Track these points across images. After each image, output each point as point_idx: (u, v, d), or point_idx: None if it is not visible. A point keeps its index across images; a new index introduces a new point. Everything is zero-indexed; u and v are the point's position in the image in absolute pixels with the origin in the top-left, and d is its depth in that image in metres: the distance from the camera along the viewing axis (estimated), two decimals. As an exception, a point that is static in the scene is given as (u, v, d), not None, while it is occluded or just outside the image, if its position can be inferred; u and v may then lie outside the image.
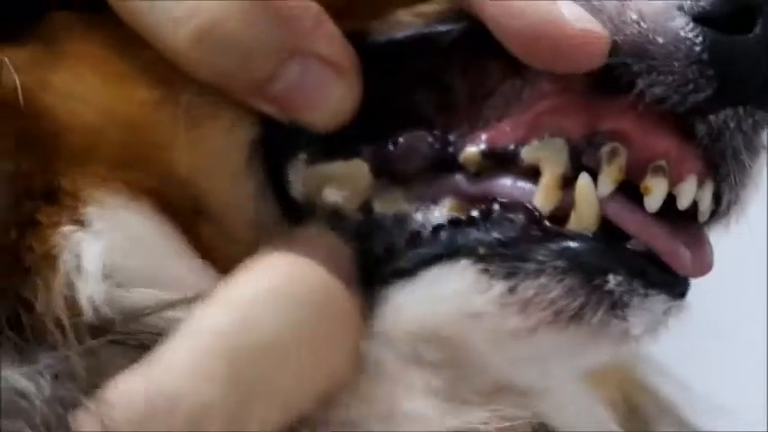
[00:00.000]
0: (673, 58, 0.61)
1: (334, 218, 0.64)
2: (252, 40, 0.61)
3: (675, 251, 0.61)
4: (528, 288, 0.61)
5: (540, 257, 0.61)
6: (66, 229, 0.60)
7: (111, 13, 0.63)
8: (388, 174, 0.64)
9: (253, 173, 0.64)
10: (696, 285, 0.64)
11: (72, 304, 0.59)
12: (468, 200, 0.63)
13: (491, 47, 0.62)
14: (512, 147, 0.63)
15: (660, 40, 0.61)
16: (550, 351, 0.63)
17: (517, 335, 0.62)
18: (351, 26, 0.63)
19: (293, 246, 0.62)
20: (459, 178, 0.64)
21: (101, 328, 0.59)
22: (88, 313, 0.59)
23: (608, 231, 0.62)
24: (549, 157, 0.62)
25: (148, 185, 0.62)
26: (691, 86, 0.61)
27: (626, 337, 0.62)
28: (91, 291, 0.59)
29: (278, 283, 0.59)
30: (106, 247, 0.61)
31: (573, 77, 0.62)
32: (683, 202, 0.62)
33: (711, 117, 0.62)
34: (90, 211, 0.61)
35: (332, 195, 0.64)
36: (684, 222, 0.63)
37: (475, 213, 0.62)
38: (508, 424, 0.62)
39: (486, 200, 0.63)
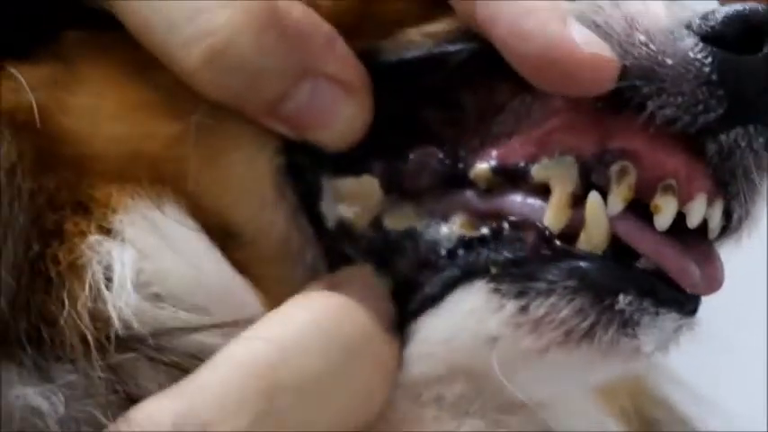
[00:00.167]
0: (682, 80, 0.61)
1: (346, 234, 0.64)
2: (263, 60, 0.61)
3: (685, 269, 0.62)
4: (539, 307, 0.61)
5: (551, 277, 0.61)
6: (94, 238, 0.61)
7: (125, 32, 0.63)
8: (398, 190, 0.64)
9: (283, 198, 0.64)
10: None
11: (98, 316, 0.59)
12: (479, 216, 0.64)
13: (501, 66, 0.62)
14: (522, 164, 0.63)
15: (669, 61, 0.61)
16: (562, 369, 0.63)
17: (529, 355, 0.62)
18: (361, 45, 0.64)
19: (338, 286, 0.62)
20: (469, 195, 0.64)
21: (128, 342, 0.60)
22: (117, 326, 0.59)
23: (618, 249, 0.62)
24: (559, 175, 0.62)
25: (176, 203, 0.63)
26: (701, 107, 0.61)
27: (637, 354, 0.63)
28: (121, 302, 0.60)
29: (322, 323, 0.59)
30: (139, 256, 0.61)
31: (583, 96, 0.62)
32: (693, 221, 0.62)
33: (722, 136, 0.62)
34: (120, 219, 0.61)
35: (343, 211, 0.64)
36: (695, 240, 0.63)
37: (485, 231, 0.63)
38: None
39: (496, 217, 0.63)
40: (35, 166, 0.61)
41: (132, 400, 0.59)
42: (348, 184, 0.64)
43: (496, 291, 0.62)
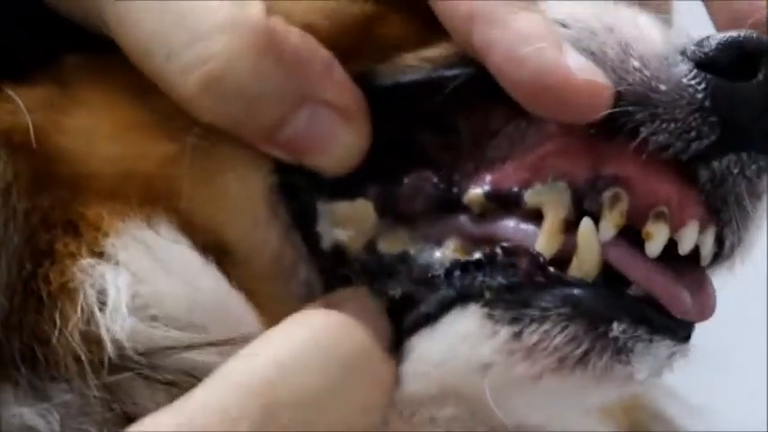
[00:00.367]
0: (675, 106, 0.61)
1: (341, 256, 0.65)
2: (261, 86, 0.62)
3: (676, 296, 0.62)
4: (532, 334, 0.61)
5: (544, 304, 0.61)
6: (86, 261, 0.61)
7: (124, 57, 0.64)
8: (392, 214, 0.65)
9: (276, 216, 0.64)
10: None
11: (91, 338, 0.60)
12: (472, 241, 0.64)
13: (497, 91, 0.62)
14: (515, 189, 0.63)
15: (663, 87, 0.61)
16: (556, 395, 0.63)
17: (523, 382, 0.62)
18: (359, 68, 0.64)
19: (335, 305, 0.62)
20: (463, 219, 0.64)
21: (122, 362, 0.60)
22: (109, 349, 0.59)
23: (609, 276, 0.62)
24: (551, 200, 0.63)
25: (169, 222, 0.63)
26: (693, 134, 0.61)
27: (630, 381, 0.63)
28: (115, 326, 0.60)
29: (321, 341, 0.59)
30: (134, 280, 0.61)
31: (577, 121, 0.62)
32: (684, 248, 0.62)
33: (714, 163, 0.62)
34: (112, 242, 0.62)
35: (338, 234, 0.65)
36: (687, 267, 0.63)
37: (479, 256, 0.63)
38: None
39: (489, 242, 0.63)
40: (30, 186, 0.62)
41: (129, 418, 0.59)
42: (342, 207, 0.65)
43: (490, 316, 0.62)
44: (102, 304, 0.60)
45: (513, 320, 0.61)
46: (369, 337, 0.60)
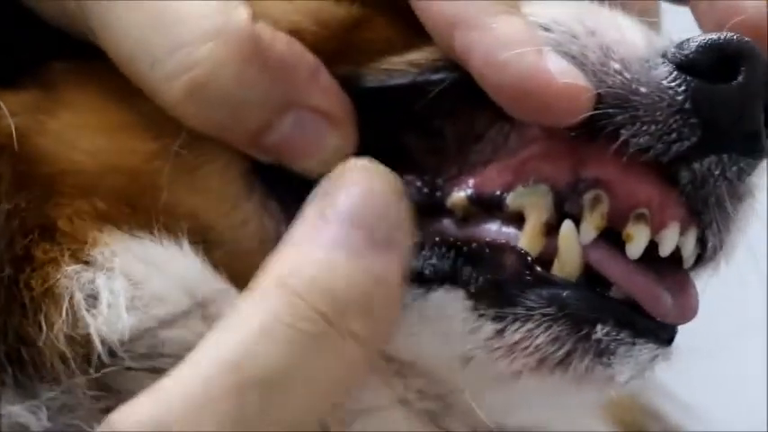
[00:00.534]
0: (656, 108, 0.61)
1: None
2: (246, 92, 0.62)
3: (656, 298, 0.62)
4: (515, 332, 0.62)
5: (529, 303, 0.61)
6: (71, 268, 0.62)
7: (110, 62, 0.65)
8: (376, 217, 0.65)
9: (252, 192, 0.65)
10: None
11: (79, 340, 0.60)
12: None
13: (481, 94, 0.62)
14: (498, 192, 0.63)
15: (643, 89, 0.62)
16: (535, 395, 0.63)
17: (502, 378, 0.62)
18: (344, 72, 0.64)
19: (310, 223, 0.60)
20: (446, 223, 0.64)
21: (112, 359, 0.61)
22: (101, 347, 0.60)
23: (591, 278, 0.62)
24: (533, 203, 0.63)
25: (149, 220, 0.63)
26: (674, 135, 0.61)
27: (611, 383, 0.63)
28: (111, 326, 0.61)
29: (281, 309, 0.58)
30: (126, 284, 0.62)
31: (558, 124, 0.63)
32: (665, 250, 0.63)
33: (695, 164, 0.62)
34: (97, 250, 0.62)
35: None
36: (670, 269, 0.63)
37: (466, 250, 0.63)
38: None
39: (472, 244, 0.64)
40: (11, 188, 0.62)
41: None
42: None
43: (474, 310, 0.62)
44: (92, 308, 0.61)
45: (498, 317, 0.62)
46: (333, 300, 0.58)
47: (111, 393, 0.60)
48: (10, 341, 0.60)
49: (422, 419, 0.65)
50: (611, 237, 0.63)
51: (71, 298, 0.61)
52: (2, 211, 0.62)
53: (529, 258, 0.62)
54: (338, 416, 0.62)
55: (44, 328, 0.60)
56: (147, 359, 0.61)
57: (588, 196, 0.62)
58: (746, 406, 1.07)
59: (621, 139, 0.61)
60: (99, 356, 0.60)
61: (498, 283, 0.62)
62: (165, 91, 0.62)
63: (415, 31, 0.64)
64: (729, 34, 0.62)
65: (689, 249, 0.63)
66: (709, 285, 0.66)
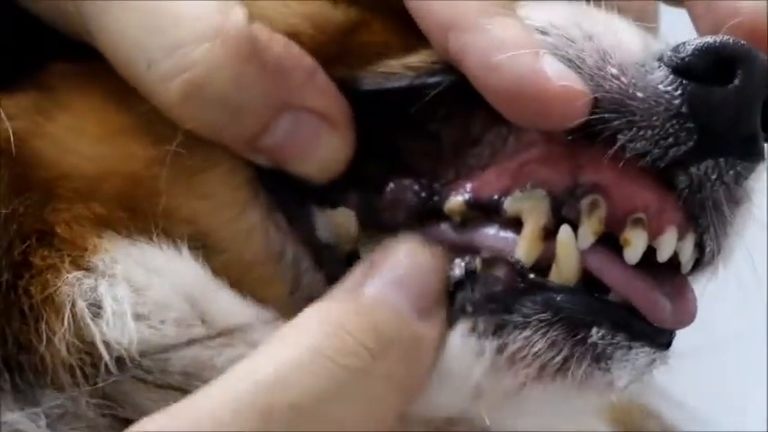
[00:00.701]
0: (652, 113, 0.61)
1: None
2: (243, 94, 0.62)
3: (654, 303, 0.62)
4: (515, 342, 0.61)
5: (526, 310, 0.61)
6: (72, 275, 0.61)
7: (107, 64, 0.64)
8: (374, 223, 0.65)
9: (257, 205, 0.64)
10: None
11: (84, 348, 0.60)
12: (454, 249, 0.64)
13: (478, 98, 0.62)
14: (495, 197, 0.63)
15: (640, 94, 0.61)
16: (541, 403, 0.63)
17: (510, 393, 0.62)
18: (341, 74, 0.64)
19: (354, 282, 0.61)
20: (444, 227, 0.64)
21: (119, 367, 0.60)
22: (106, 355, 0.60)
23: (589, 283, 0.62)
24: (530, 208, 0.63)
25: (148, 225, 0.63)
26: (671, 140, 0.61)
27: (611, 387, 0.63)
28: (116, 333, 0.60)
29: (319, 343, 0.58)
30: (130, 289, 0.62)
31: (555, 128, 0.62)
32: (663, 255, 0.62)
33: (692, 169, 0.62)
34: (98, 256, 0.62)
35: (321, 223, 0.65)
36: (667, 273, 0.63)
37: (459, 273, 0.63)
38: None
39: (470, 250, 0.63)
40: (9, 192, 0.62)
41: (122, 420, 0.60)
42: (325, 215, 0.65)
43: (473, 331, 0.62)
44: (96, 316, 0.61)
45: (497, 330, 0.61)
46: (376, 336, 0.59)
47: (116, 405, 0.60)
48: (9, 348, 0.60)
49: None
50: (609, 242, 0.62)
51: (73, 306, 0.61)
52: (1, 216, 0.62)
53: (520, 266, 0.62)
54: None
55: (45, 335, 0.60)
56: (153, 373, 0.61)
57: (586, 201, 0.62)
58: (746, 408, 1.07)
59: (618, 144, 0.61)
60: (106, 365, 0.60)
61: (493, 296, 0.62)
62: (161, 92, 0.62)
63: (413, 34, 0.64)
64: (726, 37, 0.62)
65: (687, 254, 0.63)
66: (709, 289, 0.66)
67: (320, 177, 0.64)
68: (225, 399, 0.56)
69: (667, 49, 0.62)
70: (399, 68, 0.65)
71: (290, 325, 0.59)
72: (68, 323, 0.60)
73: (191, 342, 0.61)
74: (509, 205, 0.63)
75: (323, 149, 0.63)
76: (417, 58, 0.65)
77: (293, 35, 0.63)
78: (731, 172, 0.62)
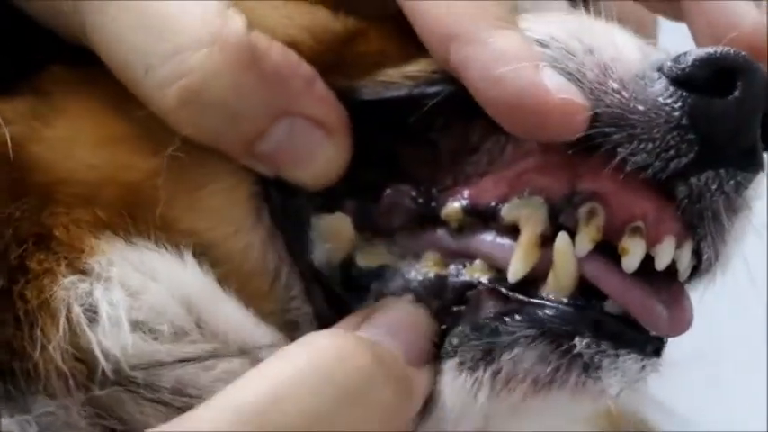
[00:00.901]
0: (653, 125, 0.61)
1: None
2: (240, 101, 0.62)
3: (650, 311, 0.62)
4: (507, 362, 0.62)
5: (511, 329, 0.62)
6: (68, 280, 0.61)
7: (105, 68, 0.64)
8: (370, 228, 0.65)
9: (260, 221, 0.64)
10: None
11: (79, 356, 0.60)
12: (450, 255, 0.64)
13: (477, 107, 0.62)
14: (492, 204, 0.63)
15: (641, 107, 0.61)
16: (536, 415, 0.63)
17: (512, 411, 0.63)
18: (340, 84, 0.64)
19: (368, 319, 0.62)
20: (441, 233, 0.64)
21: (116, 377, 0.60)
22: (105, 363, 0.60)
23: (586, 291, 0.62)
24: (528, 215, 0.63)
25: (148, 230, 0.63)
26: (672, 152, 0.61)
27: (603, 395, 0.63)
28: (112, 340, 0.60)
29: (319, 367, 0.58)
30: (126, 294, 0.61)
31: (554, 138, 0.62)
32: (661, 263, 0.62)
33: (693, 179, 0.62)
34: (98, 260, 0.62)
35: (316, 248, 0.65)
36: (664, 282, 0.63)
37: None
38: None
39: (467, 256, 0.64)
40: (6, 196, 0.62)
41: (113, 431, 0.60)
42: (321, 220, 0.65)
43: (462, 365, 0.62)
44: (92, 321, 0.60)
45: (486, 354, 0.62)
46: (375, 362, 0.59)
47: (108, 415, 0.60)
48: (1, 354, 0.60)
49: None
50: (607, 250, 0.62)
51: (68, 311, 0.60)
52: None
53: (503, 291, 0.62)
54: None
55: (40, 342, 0.60)
56: (145, 386, 0.61)
57: (584, 209, 0.62)
58: (747, 412, 1.07)
59: (619, 157, 0.61)
60: (103, 372, 0.60)
61: (478, 326, 0.62)
62: (159, 98, 0.62)
63: (411, 43, 0.64)
64: (726, 48, 0.62)
65: (684, 263, 0.63)
66: (710, 296, 0.66)
67: (317, 184, 0.64)
68: (224, 416, 0.57)
69: (667, 60, 0.62)
70: (398, 78, 0.65)
71: (290, 345, 0.60)
72: (64, 330, 0.60)
73: (184, 361, 0.61)
74: (506, 212, 0.63)
75: (320, 157, 0.63)
76: (416, 68, 0.65)
77: (292, 45, 0.63)
78: (731, 182, 0.62)
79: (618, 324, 0.62)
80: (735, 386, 1.12)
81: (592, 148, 0.61)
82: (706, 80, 0.61)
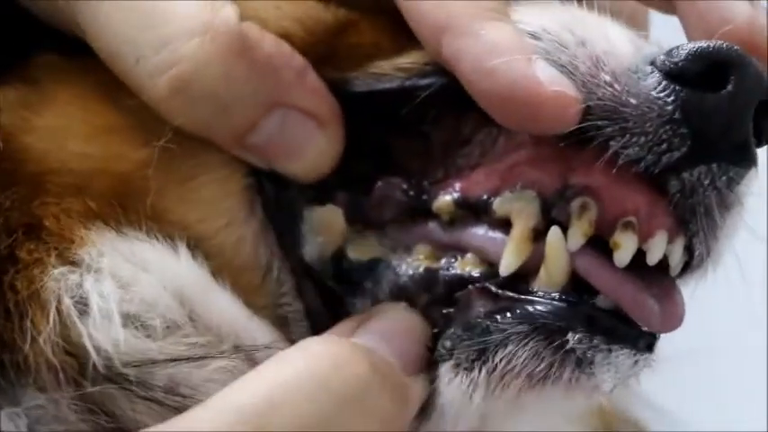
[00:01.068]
0: (645, 119, 0.61)
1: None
2: (232, 91, 0.61)
3: (642, 306, 0.62)
4: (501, 360, 0.61)
5: (503, 326, 0.61)
6: (58, 271, 0.61)
7: (96, 57, 0.64)
8: (362, 220, 0.65)
9: (253, 214, 0.64)
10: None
11: (70, 348, 0.59)
12: (441, 248, 0.64)
13: (469, 99, 0.62)
14: (484, 197, 0.63)
15: (633, 101, 0.61)
16: (531, 409, 0.63)
17: (508, 407, 0.62)
18: (332, 76, 0.64)
19: (362, 324, 0.62)
20: (432, 226, 0.64)
21: (109, 373, 0.60)
22: (96, 357, 0.59)
23: (577, 285, 0.62)
24: (520, 209, 0.62)
25: (140, 220, 0.63)
26: (664, 146, 0.61)
27: (597, 391, 0.63)
28: (103, 333, 0.60)
29: (316, 372, 0.58)
30: (117, 286, 0.61)
31: (547, 131, 0.62)
32: (653, 258, 0.62)
33: (685, 174, 0.62)
34: (84, 249, 0.61)
35: (308, 242, 0.65)
36: (656, 277, 0.63)
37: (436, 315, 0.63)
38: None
39: (458, 249, 0.63)
40: None
41: (104, 426, 0.60)
42: (313, 213, 0.65)
43: (457, 366, 0.62)
44: (83, 314, 0.60)
45: (480, 354, 0.61)
46: (371, 370, 0.59)
47: (99, 410, 0.59)
48: None
49: None
50: (599, 245, 0.62)
51: (59, 303, 0.60)
52: None
53: (494, 289, 0.62)
54: None
55: (30, 334, 0.59)
56: (142, 387, 0.60)
57: (576, 203, 0.62)
58: (746, 411, 1.07)
59: (611, 150, 0.61)
60: (94, 367, 0.59)
61: (470, 326, 0.62)
62: (150, 87, 0.62)
63: (403, 35, 0.64)
64: (719, 42, 0.61)
65: (676, 258, 0.63)
66: (703, 292, 0.66)
67: (308, 176, 0.64)
68: (222, 417, 0.56)
69: (660, 53, 0.62)
70: (390, 70, 0.64)
71: (288, 350, 0.59)
72: (54, 322, 0.59)
73: (177, 360, 0.61)
74: (498, 205, 0.63)
75: (311, 148, 0.63)
76: (408, 60, 0.64)
77: (284, 37, 0.63)
78: (724, 177, 0.62)
79: (611, 319, 0.62)
80: (731, 384, 1.11)
81: (584, 141, 0.61)
82: (699, 74, 0.61)
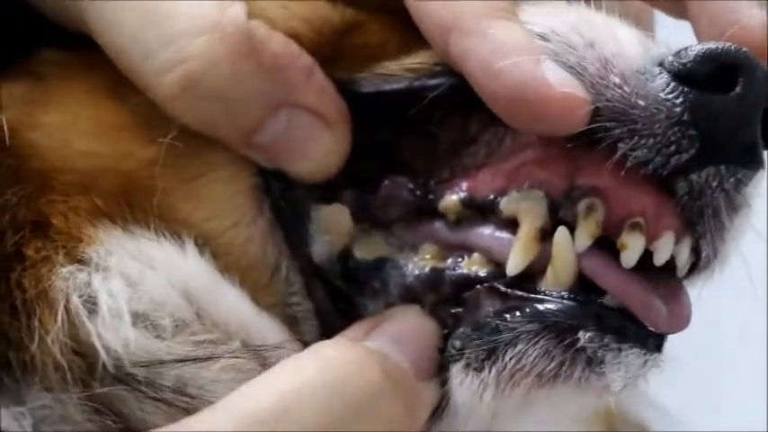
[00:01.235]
0: (654, 121, 0.61)
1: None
2: (239, 89, 0.61)
3: (649, 307, 0.62)
4: (511, 359, 0.61)
5: (512, 325, 0.61)
6: (66, 269, 0.60)
7: (102, 53, 0.64)
8: (368, 219, 0.65)
9: (261, 214, 0.64)
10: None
11: (78, 347, 0.59)
12: (448, 247, 0.64)
13: (477, 99, 0.61)
14: (491, 196, 0.63)
15: (642, 103, 0.61)
16: (541, 408, 0.63)
17: (517, 405, 0.62)
18: (340, 76, 0.64)
19: (376, 328, 0.62)
20: (438, 226, 0.64)
21: (118, 373, 0.60)
22: (105, 357, 0.59)
23: (584, 286, 0.62)
24: (527, 209, 0.62)
25: (147, 219, 0.63)
26: (673, 148, 0.61)
27: (607, 390, 0.62)
28: (113, 333, 0.59)
29: (328, 378, 0.58)
30: (125, 284, 0.61)
31: (554, 131, 0.62)
32: (660, 259, 0.62)
33: (693, 176, 0.62)
34: (92, 248, 0.61)
35: (315, 242, 0.65)
36: (663, 278, 0.63)
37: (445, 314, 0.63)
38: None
39: (465, 248, 0.63)
40: (2, 182, 0.61)
41: (111, 428, 0.59)
42: (320, 212, 0.65)
43: (467, 367, 0.62)
44: (91, 313, 0.60)
45: (490, 353, 0.61)
46: (384, 376, 0.59)
47: (106, 410, 0.59)
48: None
49: None
50: (606, 245, 0.62)
51: (67, 301, 0.60)
52: None
53: (502, 288, 0.62)
54: None
55: (38, 333, 0.59)
56: (155, 386, 0.60)
57: (583, 204, 0.62)
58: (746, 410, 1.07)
59: (620, 152, 0.61)
60: (103, 367, 0.59)
61: (479, 325, 0.62)
62: (157, 85, 0.62)
63: (411, 35, 0.64)
64: (728, 44, 0.61)
65: (683, 259, 0.63)
66: (710, 294, 0.66)
67: (315, 176, 0.64)
68: (232, 420, 0.56)
69: (668, 54, 0.62)
70: (398, 70, 0.64)
71: (300, 354, 0.60)
72: (62, 321, 0.59)
73: (185, 360, 0.61)
74: (505, 205, 0.63)
75: (318, 148, 0.63)
76: (416, 60, 0.64)
77: (292, 36, 0.63)
78: (732, 179, 0.62)
79: (620, 318, 0.62)
80: (731, 384, 1.11)
81: (592, 142, 0.61)
82: (707, 76, 0.61)
